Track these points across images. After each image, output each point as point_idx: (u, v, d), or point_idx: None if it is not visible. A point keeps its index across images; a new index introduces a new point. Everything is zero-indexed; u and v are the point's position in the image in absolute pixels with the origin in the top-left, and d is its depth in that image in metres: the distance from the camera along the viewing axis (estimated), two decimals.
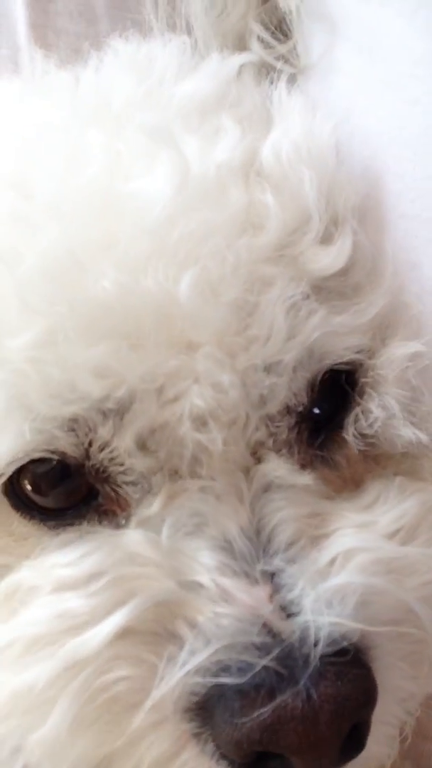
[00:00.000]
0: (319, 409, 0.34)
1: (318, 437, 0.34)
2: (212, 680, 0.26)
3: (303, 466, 0.32)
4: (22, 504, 0.33)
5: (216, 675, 0.26)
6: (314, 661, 0.25)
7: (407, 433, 0.32)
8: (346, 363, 0.34)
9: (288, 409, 0.33)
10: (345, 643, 0.26)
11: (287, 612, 0.27)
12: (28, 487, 0.33)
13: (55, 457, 0.32)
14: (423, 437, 0.32)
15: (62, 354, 0.29)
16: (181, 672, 0.25)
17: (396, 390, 0.32)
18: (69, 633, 0.27)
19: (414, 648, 0.31)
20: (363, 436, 0.33)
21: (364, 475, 0.34)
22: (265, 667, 0.25)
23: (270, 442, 0.32)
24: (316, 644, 0.25)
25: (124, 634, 0.27)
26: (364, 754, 0.28)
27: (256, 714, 0.24)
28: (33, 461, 0.32)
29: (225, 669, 0.26)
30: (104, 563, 0.28)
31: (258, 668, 0.25)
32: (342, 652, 0.26)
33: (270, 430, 0.32)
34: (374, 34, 0.32)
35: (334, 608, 0.27)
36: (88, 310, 0.29)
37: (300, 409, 0.33)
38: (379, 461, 0.35)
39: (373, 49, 0.33)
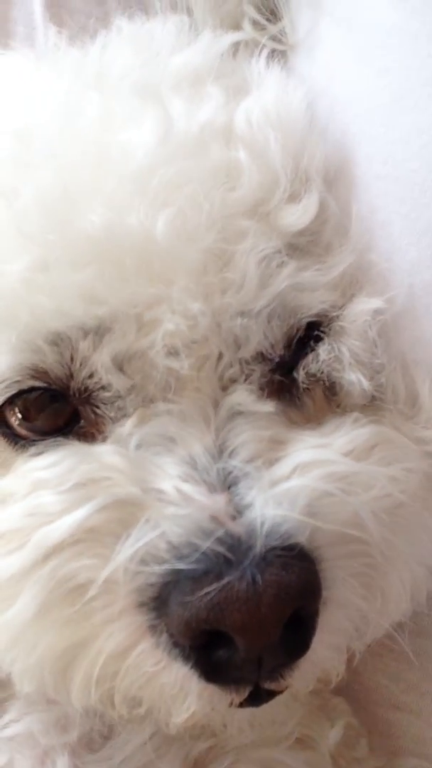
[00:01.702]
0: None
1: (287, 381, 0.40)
2: (167, 566, 0.30)
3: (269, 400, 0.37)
4: (10, 433, 0.38)
5: (171, 563, 0.30)
6: (260, 550, 0.30)
7: (351, 377, 0.37)
8: (316, 315, 0.39)
9: (263, 357, 0.38)
10: (292, 539, 0.30)
11: (240, 512, 0.31)
12: (18, 415, 0.38)
13: (42, 384, 0.38)
14: (366, 384, 0.37)
15: (52, 278, 0.34)
16: (130, 550, 0.30)
17: (353, 341, 0.37)
18: (39, 526, 0.32)
19: (365, 570, 0.35)
20: (308, 375, 0.37)
21: (327, 417, 0.39)
22: (215, 555, 0.29)
23: (242, 380, 0.37)
24: (265, 537, 0.30)
25: (88, 531, 0.32)
26: (310, 656, 0.32)
27: (203, 593, 0.29)
28: (23, 391, 0.38)
29: (179, 557, 0.30)
30: (76, 467, 0.33)
31: (208, 553, 0.29)
32: (290, 548, 0.30)
33: (244, 372, 0.37)
34: (352, 7, 0.38)
35: (283, 506, 0.31)
36: (77, 241, 0.34)
37: (276, 359, 0.39)
38: (345, 410, 0.40)
39: (350, 21, 0.38)
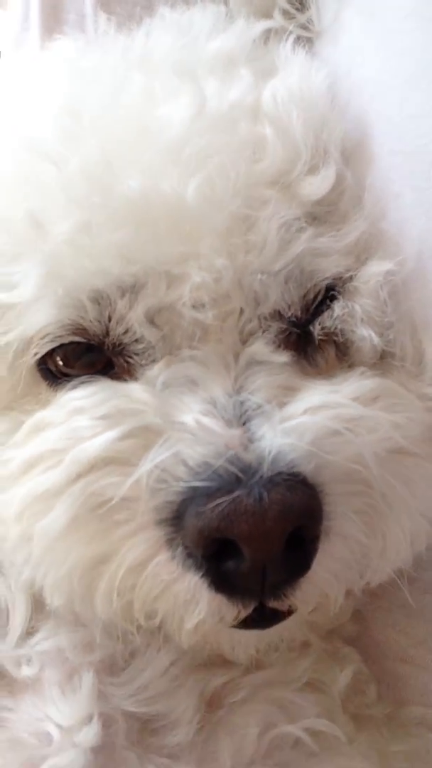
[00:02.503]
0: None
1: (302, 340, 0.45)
2: (183, 484, 0.35)
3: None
4: (51, 374, 0.45)
5: (187, 481, 0.35)
6: (268, 473, 0.35)
7: (362, 332, 0.41)
8: (331, 278, 0.44)
9: (280, 315, 0.43)
10: (297, 467, 0.35)
11: (252, 443, 0.36)
12: (59, 362, 0.44)
13: (81, 339, 0.43)
14: (376, 340, 0.42)
15: (93, 238, 0.40)
16: (149, 465, 0.35)
17: (365, 300, 0.42)
18: (74, 447, 0.38)
19: (366, 509, 0.39)
20: (323, 329, 0.42)
21: (337, 372, 0.44)
22: (228, 474, 0.34)
23: (260, 333, 0.42)
24: (272, 462, 0.35)
25: (116, 453, 0.37)
26: (311, 577, 0.37)
27: (215, 504, 0.34)
28: (63, 344, 0.44)
29: (195, 477, 0.35)
30: (109, 399, 0.39)
31: (221, 473, 0.34)
32: (295, 474, 0.35)
33: (262, 326, 0.43)
34: None
35: (291, 437, 0.36)
36: (117, 204, 0.40)
37: (293, 319, 0.44)
38: (354, 368, 0.45)
39: (372, 10, 0.43)
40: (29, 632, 0.48)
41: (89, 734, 0.44)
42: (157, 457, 0.35)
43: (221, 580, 0.36)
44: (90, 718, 0.44)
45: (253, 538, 0.34)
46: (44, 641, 0.47)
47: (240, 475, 0.35)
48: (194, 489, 0.35)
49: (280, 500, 0.34)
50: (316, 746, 0.47)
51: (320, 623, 0.52)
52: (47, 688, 0.46)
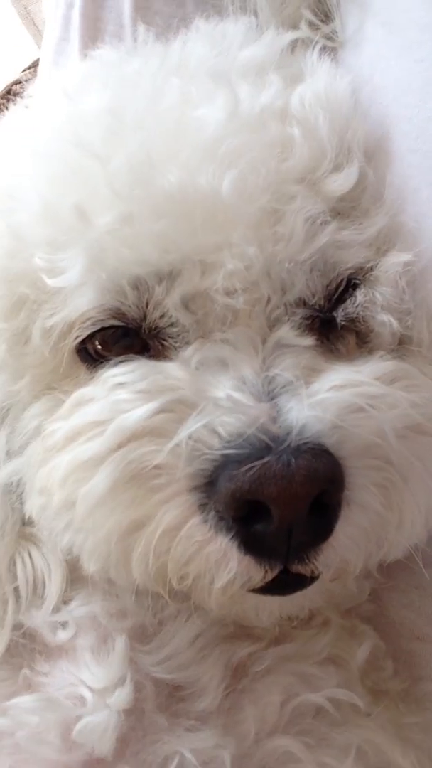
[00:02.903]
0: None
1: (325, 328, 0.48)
2: (216, 452, 0.39)
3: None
4: (89, 357, 0.49)
5: (220, 449, 0.39)
6: (295, 443, 0.38)
7: (382, 318, 0.45)
8: (353, 269, 0.47)
9: (304, 303, 0.47)
10: (322, 438, 0.39)
11: (280, 417, 0.40)
12: (98, 345, 0.48)
13: (120, 323, 0.47)
14: (395, 325, 0.46)
15: (134, 228, 0.44)
16: (184, 433, 0.39)
17: (385, 288, 0.46)
18: (116, 417, 0.41)
19: (385, 483, 0.42)
20: (346, 315, 0.46)
21: (357, 357, 0.47)
22: (258, 442, 0.38)
23: (286, 320, 0.46)
24: (298, 433, 0.39)
25: (155, 422, 0.41)
26: (332, 542, 0.40)
27: (247, 468, 0.37)
28: (104, 328, 0.48)
29: (227, 445, 0.39)
30: (147, 375, 0.43)
31: (252, 440, 0.38)
32: (320, 445, 0.39)
33: (288, 313, 0.46)
34: (392, 9, 0.47)
35: (316, 411, 0.39)
36: (156, 197, 0.44)
37: (316, 307, 0.47)
38: (374, 353, 0.48)
39: (392, 22, 0.47)
40: (64, 601, 0.51)
41: (121, 696, 0.47)
42: (191, 427, 0.39)
43: (250, 542, 0.39)
44: (122, 681, 0.47)
45: (282, 500, 0.37)
46: (79, 608, 0.50)
47: (270, 443, 0.38)
48: (227, 456, 0.39)
49: (306, 466, 0.38)
50: (338, 715, 0.51)
51: (339, 601, 0.55)
52: (80, 654, 0.49)
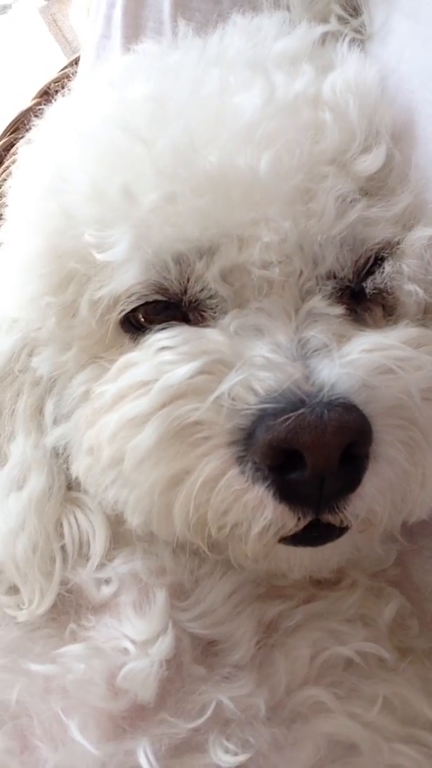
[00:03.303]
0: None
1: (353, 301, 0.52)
2: (254, 407, 0.43)
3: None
4: (133, 328, 0.53)
5: (257, 405, 0.43)
6: (327, 398, 0.42)
7: (409, 287, 0.49)
8: (381, 243, 0.51)
9: (334, 275, 0.51)
10: (352, 396, 0.42)
11: (313, 375, 0.44)
12: (141, 318, 0.52)
13: (163, 297, 0.52)
14: (421, 294, 0.49)
15: (177, 207, 0.48)
16: (224, 387, 0.43)
17: (411, 260, 0.49)
18: (162, 376, 0.45)
19: (410, 442, 0.45)
20: (375, 285, 0.50)
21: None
22: (293, 396, 0.42)
23: (317, 291, 0.50)
24: (330, 389, 0.42)
25: (197, 380, 0.45)
26: (361, 492, 0.43)
27: (283, 419, 0.41)
28: (147, 303, 0.52)
29: (264, 401, 0.43)
30: (189, 339, 0.47)
31: (287, 395, 0.42)
32: (349, 401, 0.42)
33: (319, 285, 0.50)
34: (417, 4, 0.52)
35: (347, 371, 0.43)
36: (198, 177, 0.48)
37: (346, 280, 0.51)
38: (399, 323, 0.52)
39: (417, 14, 0.52)
40: (108, 559, 0.55)
41: (162, 646, 0.50)
42: (229, 383, 0.43)
43: (285, 490, 0.43)
44: (163, 632, 0.51)
45: (316, 448, 0.41)
46: (121, 566, 0.54)
47: (304, 397, 0.42)
48: (264, 410, 0.42)
49: (337, 418, 0.41)
50: (366, 668, 0.54)
51: (366, 565, 0.59)
52: (123, 610, 0.53)
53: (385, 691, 0.53)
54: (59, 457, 0.57)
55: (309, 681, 0.52)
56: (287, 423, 0.41)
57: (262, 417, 0.43)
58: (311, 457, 0.41)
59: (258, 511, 0.44)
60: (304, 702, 0.51)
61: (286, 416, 0.41)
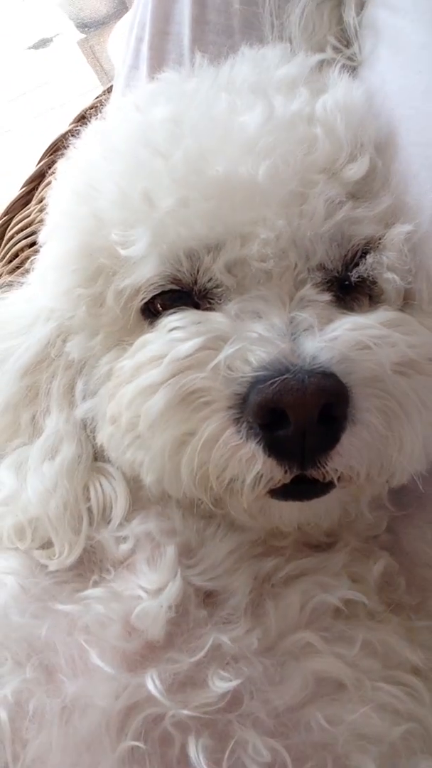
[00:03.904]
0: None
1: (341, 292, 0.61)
2: (249, 375, 0.51)
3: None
4: (151, 314, 0.62)
5: (251, 373, 0.51)
6: (309, 367, 0.50)
7: (389, 276, 0.57)
8: (365, 239, 0.60)
9: (324, 268, 0.59)
10: (332, 367, 0.50)
11: (299, 350, 0.52)
12: (158, 306, 0.62)
13: (176, 287, 0.61)
14: (399, 282, 0.58)
15: (189, 209, 0.57)
16: (221, 356, 0.51)
17: (391, 253, 0.58)
18: (171, 351, 0.54)
19: (386, 410, 0.52)
20: (359, 275, 0.58)
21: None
22: (280, 365, 0.50)
23: (309, 281, 0.59)
24: (312, 360, 0.51)
25: (199, 360, 0.53)
26: (339, 450, 0.51)
27: (270, 383, 0.49)
28: (163, 292, 0.61)
29: (256, 370, 0.51)
30: (197, 320, 0.56)
31: (275, 365, 0.50)
32: (329, 369, 0.50)
33: (310, 275, 0.59)
34: (398, 34, 0.61)
35: (329, 345, 0.51)
36: (207, 184, 0.57)
37: (334, 272, 0.60)
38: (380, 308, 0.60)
39: (397, 44, 0.61)
40: (126, 521, 0.64)
41: (171, 592, 0.57)
42: (226, 352, 0.52)
43: (273, 446, 0.50)
44: (172, 580, 0.58)
45: (297, 407, 0.49)
46: (137, 526, 0.62)
47: (290, 366, 0.51)
48: (256, 378, 0.51)
49: (316, 383, 0.49)
50: (354, 617, 0.61)
51: (359, 530, 0.66)
52: (139, 566, 0.61)
53: (371, 636, 0.59)
54: (87, 428, 0.66)
55: (300, 626, 0.59)
56: (274, 386, 0.49)
57: (254, 384, 0.51)
58: (293, 415, 0.49)
59: (251, 464, 0.52)
60: (294, 644, 0.58)
61: (272, 380, 0.50)
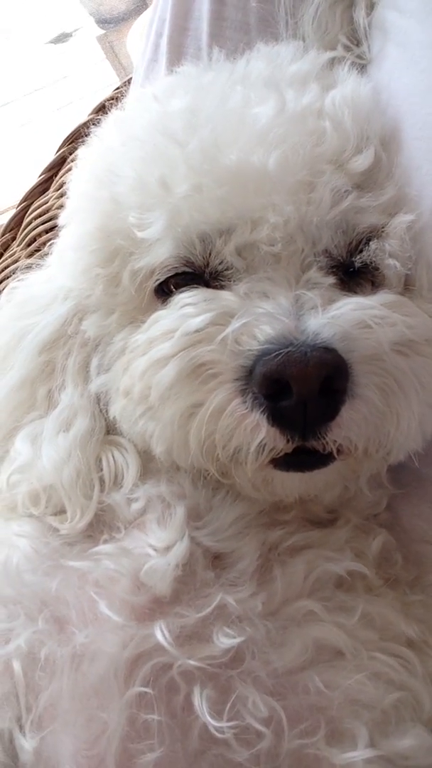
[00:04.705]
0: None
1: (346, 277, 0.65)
2: (255, 349, 0.56)
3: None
4: (165, 294, 0.67)
5: (257, 347, 0.56)
6: (311, 342, 0.54)
7: (390, 262, 0.62)
8: (368, 227, 0.64)
9: (330, 253, 0.64)
10: (334, 343, 0.54)
11: (303, 328, 0.56)
12: (171, 287, 0.66)
13: (189, 269, 0.66)
14: (400, 268, 0.62)
15: (203, 195, 0.62)
16: (228, 329, 0.56)
17: (393, 241, 0.62)
18: (182, 325, 0.59)
19: (384, 387, 0.57)
20: (362, 260, 0.63)
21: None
22: (284, 339, 0.54)
23: (315, 265, 0.63)
24: (314, 335, 0.55)
25: (209, 334, 0.58)
26: (339, 422, 0.55)
27: (274, 355, 0.54)
28: (177, 274, 0.66)
29: (262, 344, 0.56)
30: (207, 298, 0.60)
31: (280, 339, 0.54)
32: (330, 344, 0.55)
33: (316, 260, 0.63)
34: (405, 34, 0.66)
35: (331, 323, 0.56)
36: (220, 171, 0.61)
37: (339, 258, 0.65)
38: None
39: (404, 43, 0.65)
40: (138, 484, 0.68)
41: (179, 550, 0.61)
42: (233, 326, 0.56)
43: (276, 415, 0.55)
44: (179, 540, 0.62)
45: (299, 378, 0.53)
46: (149, 488, 0.67)
47: (294, 341, 0.55)
48: (262, 351, 0.55)
49: (318, 356, 0.54)
50: (353, 590, 0.65)
51: (360, 508, 0.70)
52: (149, 526, 0.65)
53: (369, 608, 0.63)
54: (100, 403, 0.71)
55: (303, 594, 0.63)
56: (278, 358, 0.54)
57: (259, 357, 0.55)
58: (296, 386, 0.54)
59: (255, 432, 0.56)
60: (297, 610, 0.62)
61: (276, 353, 0.54)
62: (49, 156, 1.16)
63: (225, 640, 0.58)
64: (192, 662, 0.56)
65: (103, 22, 3.27)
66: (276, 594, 0.63)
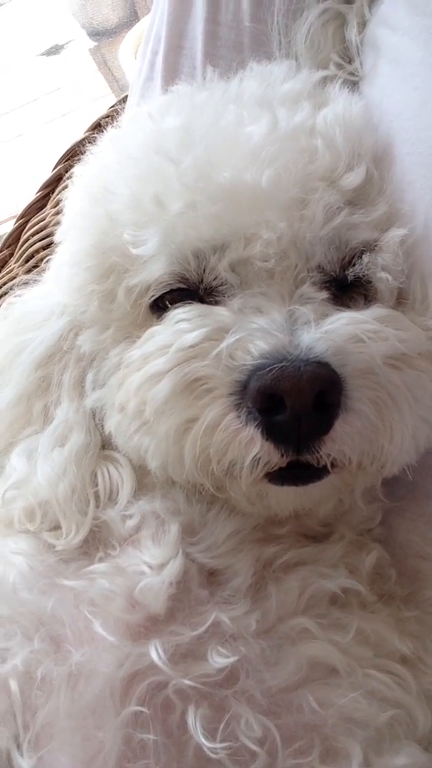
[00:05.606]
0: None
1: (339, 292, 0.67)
2: (250, 362, 0.58)
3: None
4: (160, 310, 0.69)
5: (251, 363, 0.58)
6: (305, 356, 0.56)
7: (383, 275, 0.64)
8: (361, 243, 0.67)
9: (323, 269, 0.66)
10: (327, 357, 0.56)
11: (297, 342, 0.58)
12: (167, 302, 0.68)
13: (184, 285, 0.68)
14: (392, 282, 0.64)
15: (197, 212, 0.64)
16: (223, 345, 0.57)
17: (386, 254, 0.65)
18: (178, 340, 0.61)
19: (377, 401, 0.59)
20: (355, 274, 0.65)
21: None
22: (278, 354, 0.56)
23: (308, 281, 0.65)
24: (308, 350, 0.57)
25: (203, 349, 0.60)
26: (333, 436, 0.57)
27: (269, 370, 0.55)
28: (172, 290, 0.68)
29: (257, 359, 0.57)
30: (202, 313, 0.62)
31: (274, 354, 0.56)
32: (323, 359, 0.56)
33: (310, 275, 0.65)
34: (397, 52, 0.68)
35: (324, 338, 0.58)
36: (214, 189, 0.64)
37: (333, 274, 0.67)
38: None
39: (396, 60, 0.68)
40: (133, 500, 0.69)
41: (173, 568, 0.63)
42: (227, 342, 0.58)
43: (270, 430, 0.56)
44: (173, 557, 0.64)
45: (293, 393, 0.55)
46: (143, 505, 0.69)
47: (287, 356, 0.57)
48: (256, 366, 0.57)
49: (311, 371, 0.56)
50: (348, 606, 0.66)
51: (355, 523, 0.72)
52: (144, 542, 0.66)
53: (363, 625, 0.65)
54: (95, 418, 0.73)
55: (297, 612, 0.64)
56: (272, 373, 0.56)
57: (254, 372, 0.57)
58: (290, 401, 0.55)
59: (249, 447, 0.57)
60: (292, 628, 0.63)
61: (270, 368, 0.56)
62: (43, 167, 1.18)
63: (219, 659, 0.59)
64: (187, 681, 0.57)
65: (95, 34, 3.32)
66: (270, 612, 0.64)
